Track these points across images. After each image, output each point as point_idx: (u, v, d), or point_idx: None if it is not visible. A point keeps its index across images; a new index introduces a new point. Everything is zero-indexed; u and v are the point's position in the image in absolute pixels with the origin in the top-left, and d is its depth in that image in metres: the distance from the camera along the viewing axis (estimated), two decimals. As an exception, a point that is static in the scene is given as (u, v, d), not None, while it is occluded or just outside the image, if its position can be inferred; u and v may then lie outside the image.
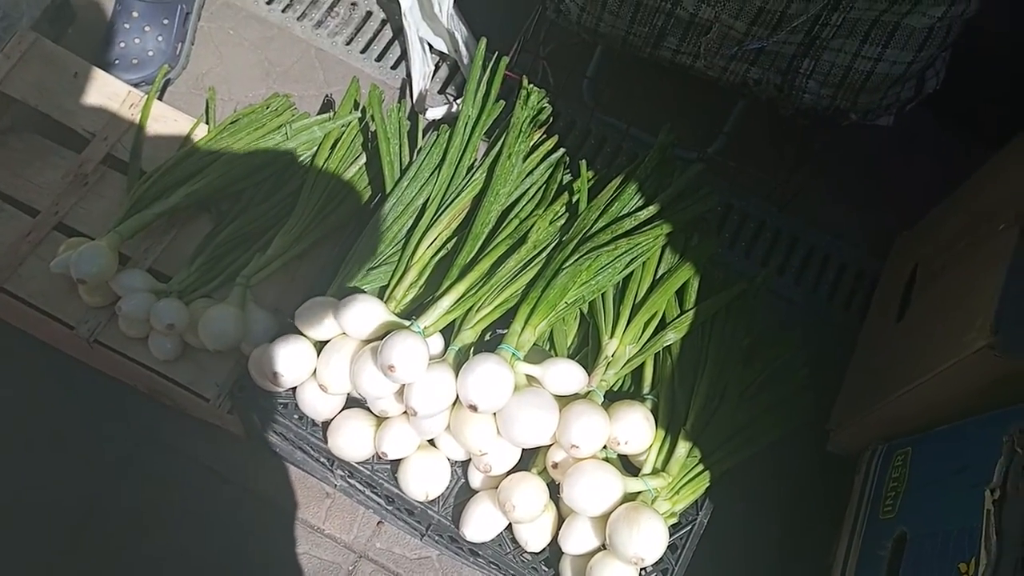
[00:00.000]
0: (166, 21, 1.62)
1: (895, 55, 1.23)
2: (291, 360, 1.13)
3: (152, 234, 1.35)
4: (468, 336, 1.16)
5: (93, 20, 1.70)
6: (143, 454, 1.38)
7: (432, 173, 1.32)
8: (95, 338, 1.28)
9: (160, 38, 1.61)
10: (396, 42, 1.78)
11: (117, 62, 1.59)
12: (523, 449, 1.15)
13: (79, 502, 1.34)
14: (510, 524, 1.15)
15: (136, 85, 1.52)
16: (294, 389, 1.18)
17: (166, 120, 1.45)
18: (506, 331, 1.20)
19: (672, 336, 1.23)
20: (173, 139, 1.44)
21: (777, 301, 1.62)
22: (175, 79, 1.65)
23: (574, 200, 1.32)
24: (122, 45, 1.60)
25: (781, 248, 1.67)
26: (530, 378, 1.14)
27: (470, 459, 1.17)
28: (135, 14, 1.60)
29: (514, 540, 1.16)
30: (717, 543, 1.24)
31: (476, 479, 1.18)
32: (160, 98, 1.52)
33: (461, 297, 1.18)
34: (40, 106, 1.43)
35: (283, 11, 1.77)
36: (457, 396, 1.09)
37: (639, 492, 1.12)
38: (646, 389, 1.22)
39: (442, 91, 1.76)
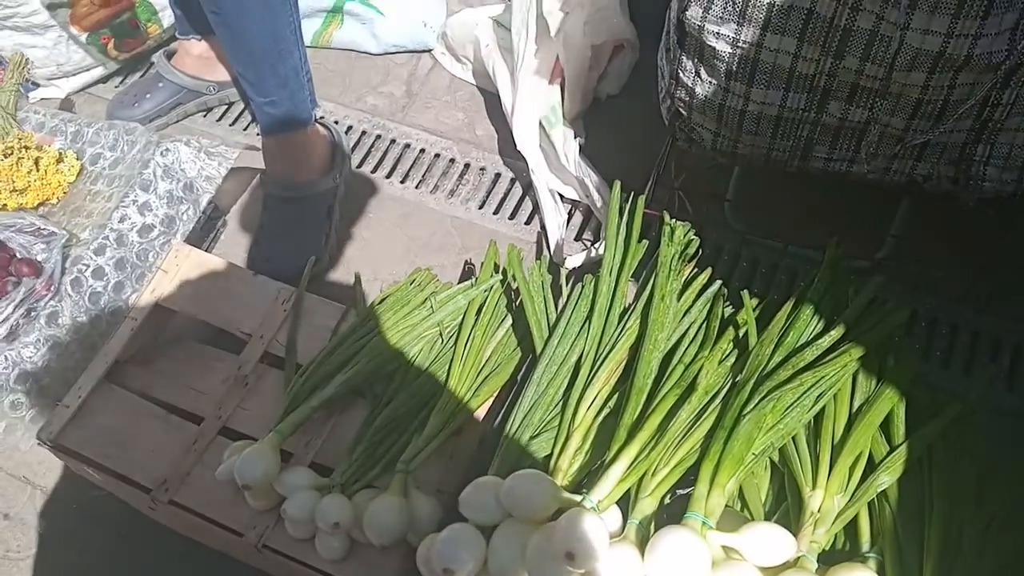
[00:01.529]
0: (311, 216, 1.68)
1: (1088, 123, 1.08)
2: (459, 554, 1.04)
3: (311, 427, 1.33)
4: (647, 505, 1.05)
5: (243, 223, 1.80)
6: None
7: (582, 327, 1.25)
8: (264, 543, 1.25)
9: (308, 232, 1.67)
10: (527, 198, 1.78)
11: (268, 262, 1.65)
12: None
13: None
14: None
15: (288, 281, 1.57)
16: (466, 582, 1.09)
17: (317, 312, 1.47)
18: (688, 491, 1.07)
19: (886, 479, 1.06)
20: (325, 328, 1.45)
21: (989, 415, 1.40)
22: (323, 269, 1.69)
23: (741, 335, 1.21)
24: (271, 246, 1.67)
25: (983, 352, 1.47)
26: (728, 550, 1.00)
27: (670, 647, 1.02)
28: (282, 213, 1.68)
29: None
30: None
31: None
32: (310, 289, 1.55)
33: (633, 461, 1.07)
34: (198, 315, 1.49)
35: (416, 187, 1.82)
36: (646, 578, 0.96)
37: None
38: (865, 546, 1.04)
39: (578, 238, 1.72)
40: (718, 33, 1.12)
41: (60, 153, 1.58)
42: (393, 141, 1.89)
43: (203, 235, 1.69)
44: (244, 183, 1.85)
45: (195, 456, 1.35)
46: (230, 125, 1.97)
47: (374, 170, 1.85)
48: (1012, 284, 1.46)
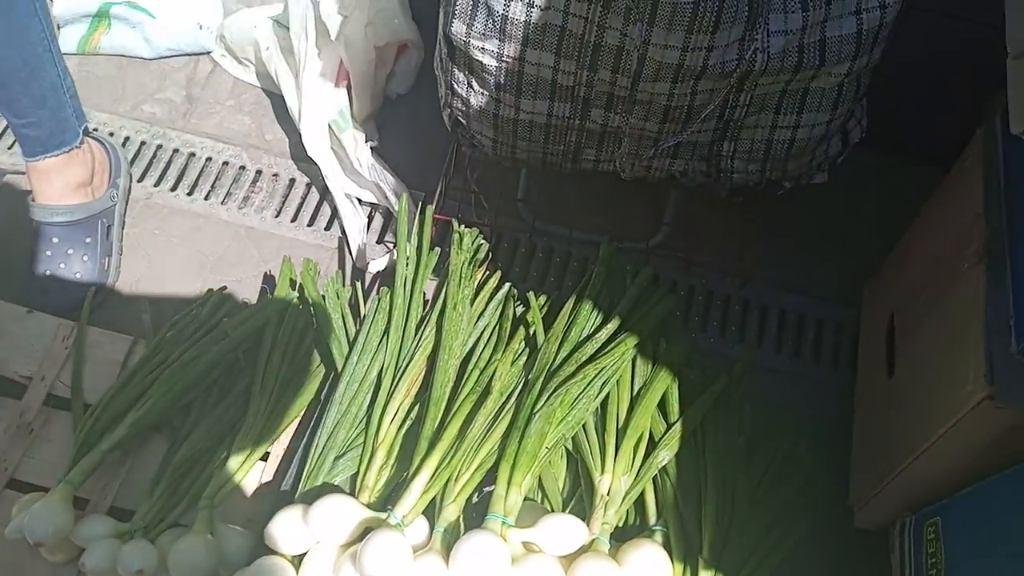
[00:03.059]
0: (88, 240, 1.58)
1: (812, 118, 1.20)
2: (269, 587, 1.05)
3: (106, 469, 1.27)
4: (451, 512, 1.09)
5: (12, 254, 1.66)
6: None
7: (380, 341, 1.27)
8: (65, 601, 1.19)
9: (86, 258, 1.57)
10: (325, 203, 1.75)
11: (45, 292, 1.54)
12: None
13: None
14: None
15: (68, 314, 1.47)
16: (282, 612, 1.09)
17: (102, 346, 1.40)
18: (491, 488, 1.12)
19: (665, 455, 1.16)
20: (113, 363, 1.38)
21: (762, 375, 1.55)
22: (106, 296, 1.59)
23: (531, 333, 1.27)
24: (47, 273, 1.55)
25: (753, 318, 1.62)
26: (527, 544, 1.06)
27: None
28: (55, 240, 1.57)
29: None
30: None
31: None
32: (93, 321, 1.46)
33: (435, 471, 1.10)
34: (-31, 361, 1.38)
35: (205, 199, 1.74)
36: (453, 584, 1.00)
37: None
38: (652, 519, 1.14)
39: (380, 240, 1.72)
40: (483, 48, 1.16)
41: None
42: (176, 151, 1.80)
43: (-35, 271, 1.55)
44: (9, 210, 1.70)
45: (-20, 517, 1.26)
46: (-11, 143, 1.80)
47: (157, 183, 1.76)
48: (770, 258, 1.62)
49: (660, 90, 1.11)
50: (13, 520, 1.21)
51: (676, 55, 1.05)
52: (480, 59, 1.17)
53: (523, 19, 1.09)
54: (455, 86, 1.26)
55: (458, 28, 1.15)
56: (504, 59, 1.16)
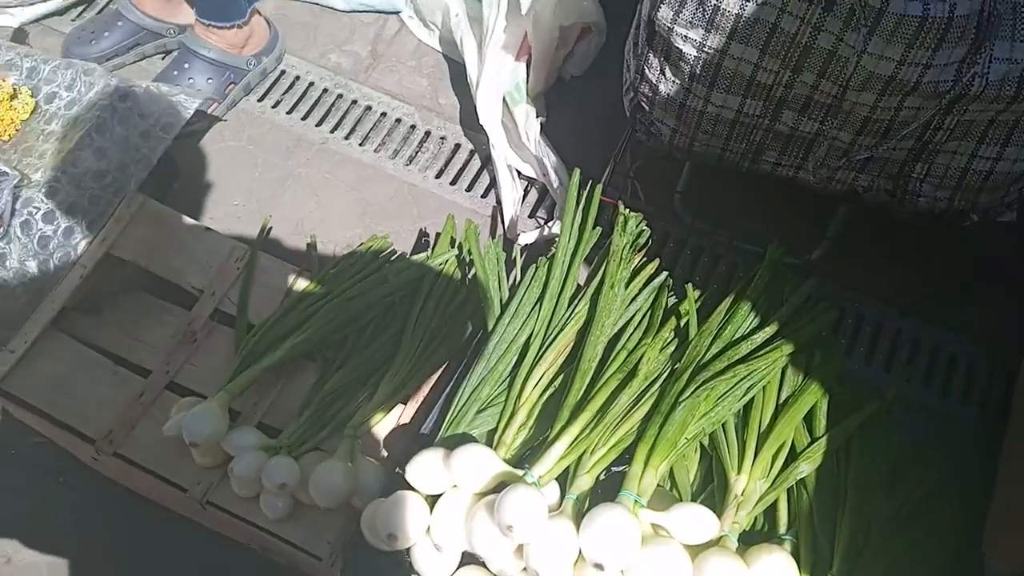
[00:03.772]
0: (210, 79, 1.80)
1: (1016, 153, 1.15)
2: (404, 521, 1.09)
3: (260, 388, 1.35)
4: (585, 482, 1.11)
5: (196, 173, 1.78)
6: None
7: (533, 308, 1.29)
8: (207, 500, 1.27)
9: (203, 85, 1.78)
10: (485, 172, 1.80)
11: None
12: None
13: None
14: None
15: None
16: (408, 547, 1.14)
17: (269, 271, 1.48)
18: (623, 468, 1.13)
19: (806, 467, 1.14)
20: (278, 289, 1.46)
21: (907, 409, 1.50)
22: (276, 226, 1.68)
23: (682, 324, 1.27)
24: (165, 84, 1.72)
25: (903, 351, 1.57)
26: (656, 527, 1.07)
27: (596, 614, 1.09)
28: (186, 65, 1.79)
29: None
30: None
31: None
32: (264, 248, 1.55)
33: (574, 440, 1.12)
34: (149, 266, 1.48)
35: (376, 151, 1.82)
36: (580, 551, 1.02)
37: (788, 650, 1.02)
38: (782, 528, 1.13)
39: (532, 215, 1.75)
40: (686, 36, 1.16)
41: (14, 89, 1.53)
42: (355, 102, 1.89)
43: (158, 186, 1.67)
44: (200, 134, 1.83)
45: (141, 409, 1.36)
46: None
47: (333, 130, 1.85)
48: (935, 292, 1.56)
49: (864, 100, 1.08)
50: (172, 419, 1.31)
51: (890, 67, 1.02)
52: (680, 47, 1.18)
53: (735, 12, 1.09)
54: (646, 71, 1.27)
55: (664, 14, 1.16)
56: (705, 49, 1.16)
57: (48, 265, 1.48)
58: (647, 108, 1.33)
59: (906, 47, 0.99)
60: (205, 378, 1.39)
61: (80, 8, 2.01)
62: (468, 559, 1.14)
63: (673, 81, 1.24)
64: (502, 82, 1.71)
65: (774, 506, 1.15)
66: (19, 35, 1.91)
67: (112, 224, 1.50)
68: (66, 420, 1.35)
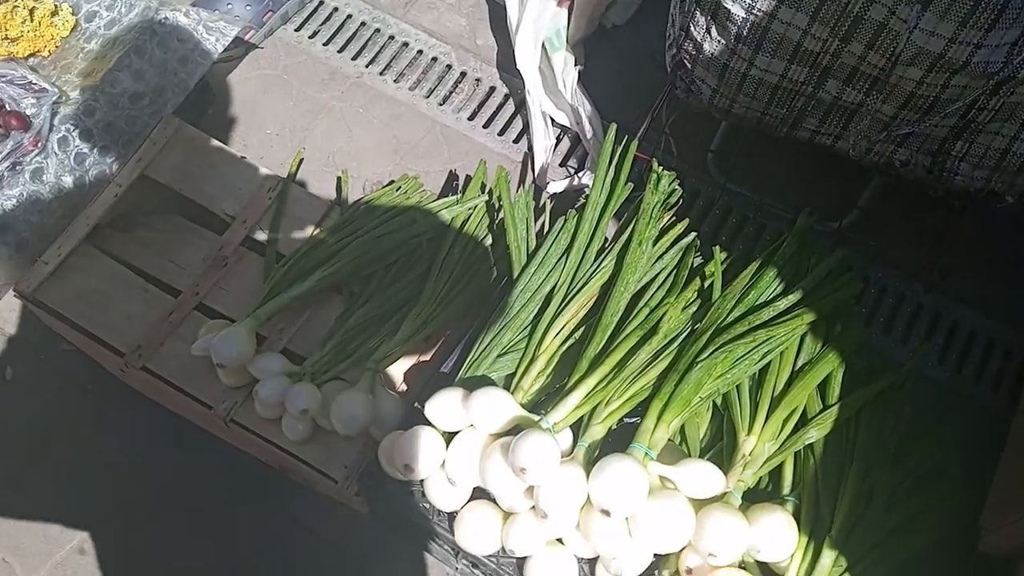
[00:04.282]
0: (249, 5, 1.77)
1: (1059, 137, 1.14)
2: (421, 454, 1.13)
3: (287, 315, 1.38)
4: (598, 431, 1.14)
5: (231, 100, 1.79)
6: (275, 529, 1.41)
7: (560, 259, 1.31)
8: (231, 418, 1.32)
9: (248, 7, 1.76)
10: (518, 117, 1.80)
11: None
12: (655, 552, 1.11)
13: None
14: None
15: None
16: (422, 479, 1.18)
17: (301, 202, 1.50)
18: (635, 420, 1.16)
19: (815, 434, 1.17)
20: (308, 220, 1.48)
21: (920, 382, 1.52)
22: (308, 158, 1.69)
23: (706, 285, 1.28)
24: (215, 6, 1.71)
25: (922, 325, 1.58)
26: (663, 479, 1.10)
27: (598, 557, 1.14)
28: None
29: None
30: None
31: (605, 579, 1.14)
32: (295, 177, 1.57)
33: (591, 391, 1.15)
34: (184, 190, 1.50)
35: (411, 89, 1.82)
36: (588, 496, 1.06)
37: (782, 606, 1.06)
38: (786, 490, 1.16)
39: (563, 164, 1.76)
40: (735, -4, 1.15)
41: (56, 6, 1.54)
42: (392, 38, 1.88)
43: (193, 110, 1.68)
44: (236, 61, 1.83)
45: (170, 327, 1.39)
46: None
47: (368, 64, 1.84)
48: (960, 270, 1.56)
49: (911, 75, 1.08)
50: (200, 339, 1.34)
51: (941, 44, 1.01)
52: (729, 7, 1.16)
53: (788, -26, 1.08)
54: (692, 29, 1.26)
55: (715, -29, 1.14)
56: (755, 11, 1.14)
57: (84, 181, 1.50)
58: (689, 66, 1.32)
59: (959, 25, 0.98)
60: (233, 302, 1.42)
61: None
62: (478, 494, 1.18)
63: (718, 41, 1.23)
64: (542, 27, 1.69)
65: (780, 468, 1.17)
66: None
67: (148, 146, 1.51)
68: (96, 332, 1.39)
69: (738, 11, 1.16)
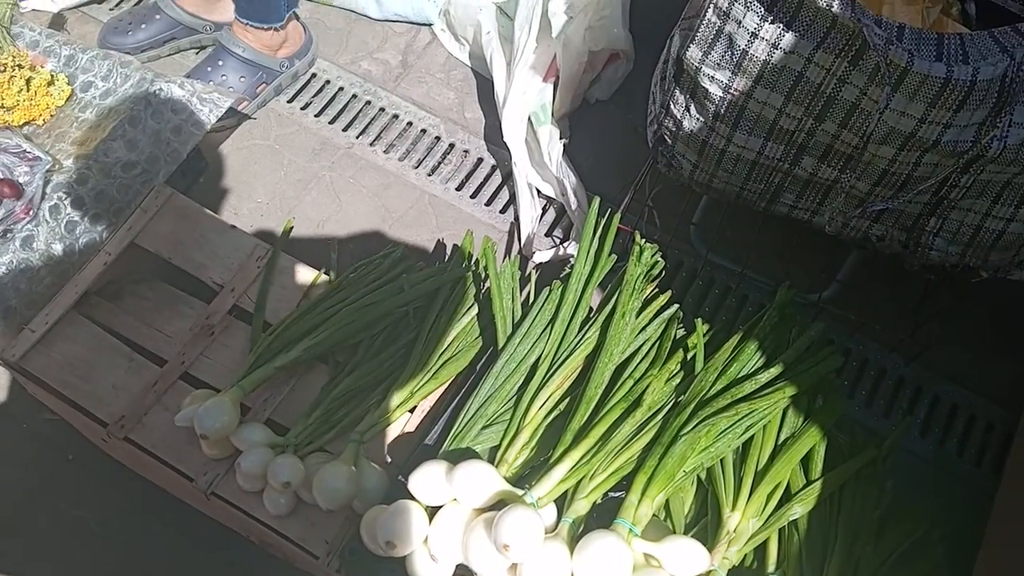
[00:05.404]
0: (242, 78, 1.83)
1: (1030, 215, 1.18)
2: (403, 530, 1.12)
3: (272, 385, 1.38)
4: (582, 506, 1.13)
5: (223, 169, 1.82)
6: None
7: (544, 330, 1.32)
8: (213, 491, 1.30)
9: (234, 85, 1.81)
10: (505, 187, 1.83)
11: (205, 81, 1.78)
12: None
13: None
14: None
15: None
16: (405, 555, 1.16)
17: (289, 271, 1.51)
18: (620, 495, 1.16)
19: (799, 510, 1.16)
20: (296, 289, 1.49)
21: (901, 456, 1.52)
22: (299, 227, 1.72)
23: (689, 357, 1.29)
24: (199, 80, 1.75)
25: (904, 398, 1.59)
26: (648, 556, 1.09)
27: (583, 635, 1.12)
28: (220, 63, 1.81)
29: None
30: None
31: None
32: (285, 249, 1.58)
33: (576, 465, 1.15)
34: (173, 259, 1.51)
35: (400, 160, 1.85)
36: (572, 574, 1.05)
37: None
38: (771, 567, 1.15)
39: (549, 234, 1.78)
40: (712, 77, 1.19)
41: (52, 75, 1.57)
42: (382, 109, 1.92)
43: (184, 179, 1.70)
44: (229, 131, 1.86)
45: (154, 397, 1.39)
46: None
47: (359, 135, 1.88)
48: (940, 343, 1.58)
49: (883, 154, 1.11)
50: (184, 409, 1.34)
51: (911, 124, 1.05)
52: (706, 86, 1.20)
53: (763, 58, 1.12)
54: (672, 106, 1.30)
55: (693, 53, 1.19)
56: (731, 91, 1.18)
57: (74, 249, 1.51)
58: (670, 141, 1.36)
59: (928, 106, 1.02)
60: (219, 372, 1.42)
61: (119, -1, 2.05)
62: (462, 571, 1.17)
63: (697, 118, 1.27)
64: (528, 101, 1.74)
65: (765, 545, 1.17)
66: (57, 21, 1.95)
67: (139, 214, 1.53)
68: (80, 402, 1.38)
69: (716, 90, 1.20)
